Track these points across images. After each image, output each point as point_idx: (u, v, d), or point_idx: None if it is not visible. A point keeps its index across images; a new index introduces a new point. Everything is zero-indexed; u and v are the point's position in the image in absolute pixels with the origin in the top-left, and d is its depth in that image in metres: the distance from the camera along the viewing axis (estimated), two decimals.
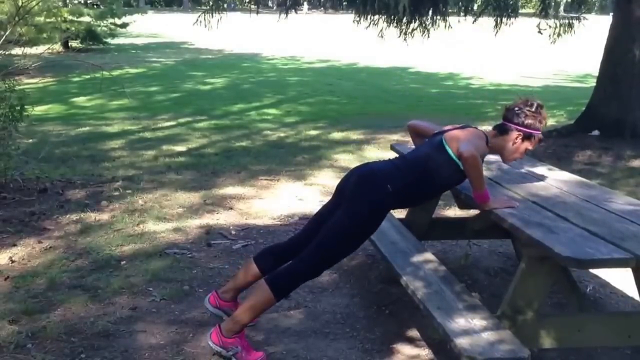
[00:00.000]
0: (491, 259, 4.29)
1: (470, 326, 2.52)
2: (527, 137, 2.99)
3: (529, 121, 2.97)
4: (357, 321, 3.33)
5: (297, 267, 2.86)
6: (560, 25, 9.09)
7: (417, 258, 3.21)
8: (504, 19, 9.18)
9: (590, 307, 3.54)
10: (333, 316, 3.38)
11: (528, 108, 2.99)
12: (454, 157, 2.89)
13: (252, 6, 9.26)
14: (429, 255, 3.26)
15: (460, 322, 2.56)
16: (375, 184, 2.88)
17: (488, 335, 2.45)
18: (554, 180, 3.39)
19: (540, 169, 3.65)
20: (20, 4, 6.16)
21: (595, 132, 7.80)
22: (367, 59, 19.35)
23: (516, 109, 3.01)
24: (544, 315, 2.72)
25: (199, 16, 8.86)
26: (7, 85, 5.45)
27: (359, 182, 2.91)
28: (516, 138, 2.99)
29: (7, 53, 6.15)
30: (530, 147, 3.04)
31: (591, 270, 3.96)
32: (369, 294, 3.68)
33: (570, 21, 9.15)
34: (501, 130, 3.04)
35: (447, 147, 2.91)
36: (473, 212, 3.99)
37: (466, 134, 2.94)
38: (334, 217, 2.88)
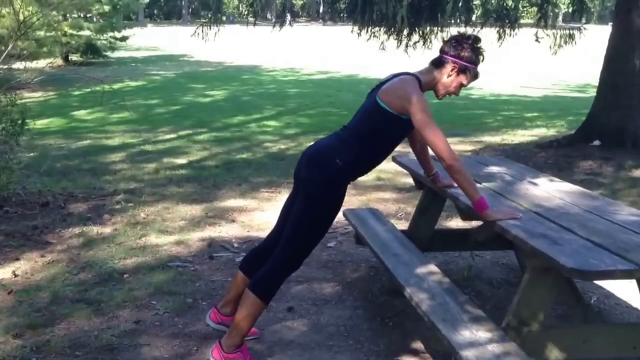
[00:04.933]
0: (494, 270, 4.28)
1: (475, 338, 2.51)
2: (462, 70, 2.92)
3: (465, 53, 2.91)
4: (361, 333, 3.32)
5: (274, 266, 2.88)
6: (561, 36, 9.11)
7: (420, 270, 3.20)
8: (507, 30, 9.18)
9: (595, 318, 3.53)
10: (337, 328, 3.37)
11: (465, 40, 2.94)
12: (391, 111, 2.85)
13: (251, 18, 9.28)
14: (432, 267, 3.25)
15: (465, 334, 2.55)
16: (324, 162, 2.86)
17: (493, 347, 2.44)
18: (557, 191, 3.39)
19: (542, 180, 3.65)
20: (21, 18, 6.20)
21: (596, 142, 7.80)
22: (367, 70, 19.39)
23: (453, 41, 2.95)
24: (549, 326, 2.71)
25: (197, 28, 8.91)
26: (8, 100, 5.47)
27: (309, 164, 2.90)
28: (451, 70, 2.93)
29: (8, 67, 6.17)
30: (464, 82, 2.97)
31: (595, 281, 3.96)
32: (372, 306, 3.67)
33: (571, 32, 9.18)
34: (437, 63, 2.98)
35: (382, 105, 2.87)
36: (475, 223, 3.99)
37: (399, 87, 2.88)
38: (295, 206, 2.89)
